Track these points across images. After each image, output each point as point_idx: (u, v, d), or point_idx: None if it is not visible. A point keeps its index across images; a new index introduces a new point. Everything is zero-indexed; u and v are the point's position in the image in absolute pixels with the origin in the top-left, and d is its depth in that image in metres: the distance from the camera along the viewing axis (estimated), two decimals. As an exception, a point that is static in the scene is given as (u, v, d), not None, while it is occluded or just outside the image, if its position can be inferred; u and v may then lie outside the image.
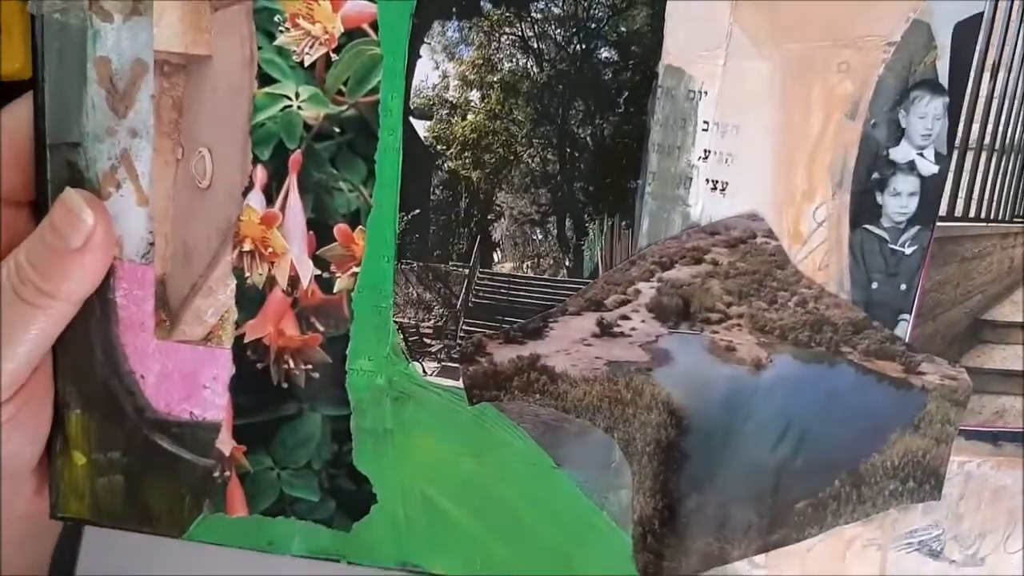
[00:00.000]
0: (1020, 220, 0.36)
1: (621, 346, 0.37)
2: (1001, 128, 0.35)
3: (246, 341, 0.38)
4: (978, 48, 0.34)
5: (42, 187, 0.37)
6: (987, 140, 0.35)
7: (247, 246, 0.37)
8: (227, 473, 0.40)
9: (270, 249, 0.37)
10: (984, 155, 0.35)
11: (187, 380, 0.39)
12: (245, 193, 0.37)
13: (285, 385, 0.38)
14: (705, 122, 0.35)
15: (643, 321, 0.37)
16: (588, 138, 0.35)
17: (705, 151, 0.35)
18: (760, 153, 0.35)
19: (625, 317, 0.37)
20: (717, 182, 0.35)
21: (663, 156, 0.35)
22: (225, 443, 0.39)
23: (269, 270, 0.37)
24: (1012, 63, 0.34)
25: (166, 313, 0.38)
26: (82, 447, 0.40)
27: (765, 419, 0.37)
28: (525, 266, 0.37)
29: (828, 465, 0.38)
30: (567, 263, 0.37)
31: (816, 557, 0.39)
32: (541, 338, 0.37)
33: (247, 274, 0.37)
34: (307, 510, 0.40)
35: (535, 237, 0.37)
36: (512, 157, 0.36)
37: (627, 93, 0.35)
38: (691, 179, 0.35)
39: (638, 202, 0.36)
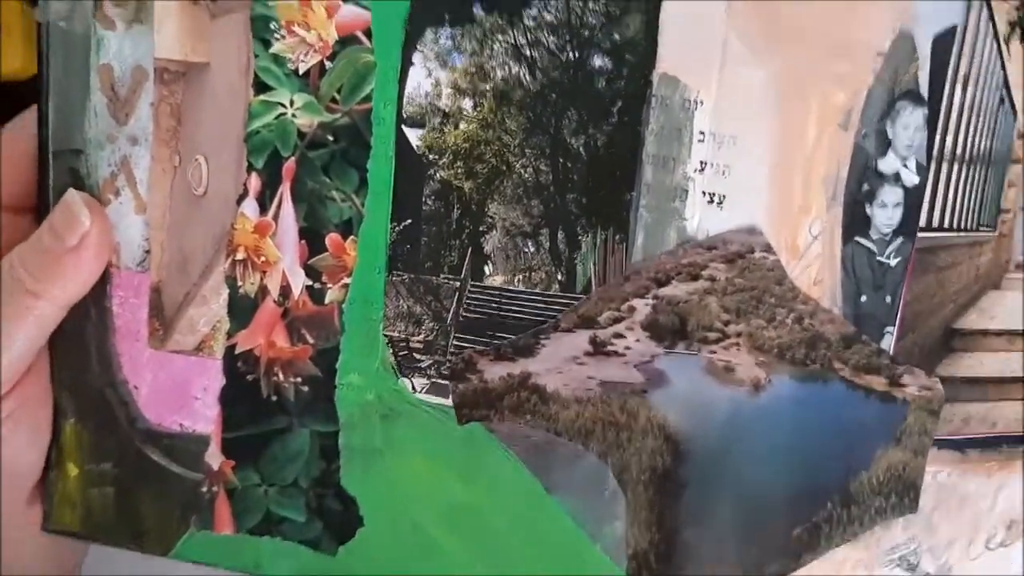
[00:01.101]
0: (986, 228, 0.36)
1: (615, 366, 0.36)
2: (971, 139, 0.34)
3: (237, 352, 0.38)
4: (952, 60, 0.33)
5: (44, 194, 0.38)
6: (959, 151, 0.34)
7: (240, 255, 0.37)
8: (215, 488, 0.39)
9: (263, 258, 0.37)
10: (956, 166, 0.34)
11: (178, 391, 0.39)
12: (239, 201, 0.37)
13: (275, 398, 0.38)
14: (701, 133, 0.34)
15: (638, 340, 0.35)
16: (581, 148, 0.35)
17: (701, 163, 0.34)
18: (757, 165, 0.33)
19: (619, 335, 0.35)
20: (714, 195, 0.34)
21: (658, 168, 0.34)
22: (214, 456, 0.39)
23: (261, 279, 0.37)
24: (979, 76, 0.34)
25: (160, 322, 0.38)
26: (75, 458, 0.40)
27: (764, 443, 0.35)
28: (517, 280, 0.36)
29: (822, 488, 0.36)
30: (559, 277, 0.35)
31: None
32: (532, 355, 0.36)
33: (240, 283, 0.37)
34: (293, 530, 0.39)
35: (527, 250, 0.36)
36: (504, 167, 0.35)
37: (621, 102, 0.34)
38: (687, 191, 0.34)
39: (632, 215, 0.34)
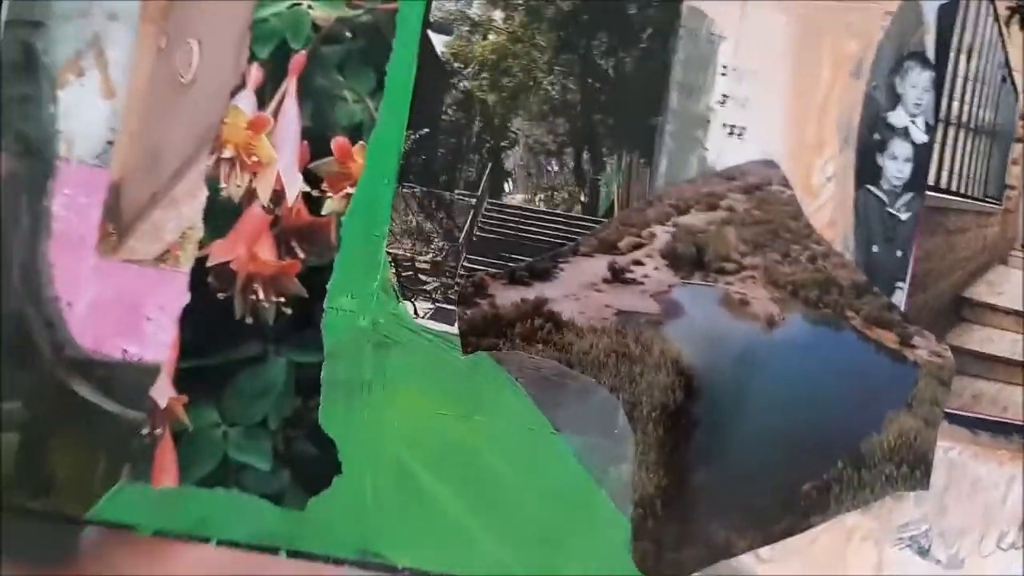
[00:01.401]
0: (991, 201, 0.38)
1: (633, 294, 0.35)
2: (975, 109, 0.38)
3: (209, 264, 0.33)
4: (956, 31, 0.37)
5: (-14, 67, 0.32)
6: (964, 119, 0.37)
7: (227, 152, 0.33)
8: (158, 431, 0.33)
9: (254, 158, 0.33)
10: (962, 132, 0.37)
11: (126, 309, 0.33)
12: (234, 93, 0.33)
13: (249, 320, 0.33)
14: (724, 66, 0.35)
15: (656, 268, 0.35)
16: (611, 70, 0.35)
17: (723, 95, 0.35)
18: (775, 101, 0.35)
19: (638, 262, 0.35)
20: (734, 127, 0.35)
21: (683, 95, 0.35)
22: (162, 391, 0.33)
23: (250, 182, 0.33)
24: (982, 50, 0.37)
25: (115, 225, 0.33)
26: (-33, 397, 0.32)
27: (775, 383, 0.35)
28: (538, 199, 0.34)
29: (832, 440, 0.36)
30: (582, 198, 0.34)
31: (819, 550, 0.36)
32: (549, 280, 0.34)
33: (223, 185, 0.33)
34: (255, 481, 0.33)
35: (550, 168, 0.35)
36: (532, 83, 0.34)
37: (650, 29, 0.35)
38: (708, 122, 0.35)
39: (657, 140, 0.35)
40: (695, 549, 0.35)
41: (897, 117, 0.36)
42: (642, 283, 0.35)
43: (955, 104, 0.37)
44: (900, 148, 0.36)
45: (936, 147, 0.37)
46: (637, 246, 0.35)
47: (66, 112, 0.32)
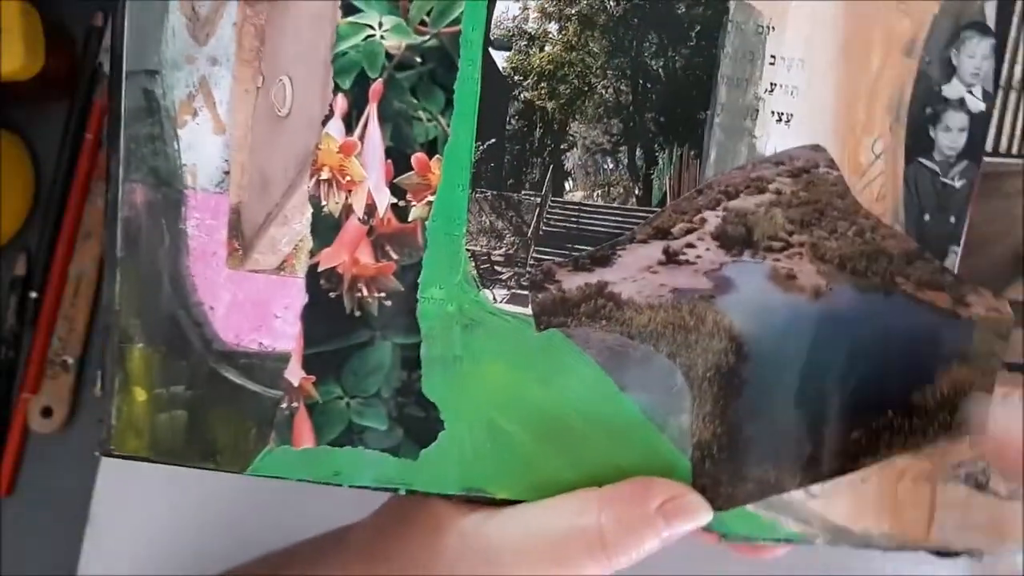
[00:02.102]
0: None
1: (686, 274, 0.39)
2: None
3: (320, 270, 0.39)
4: None
5: (115, 114, 0.38)
6: None
7: (325, 174, 0.38)
8: (295, 404, 0.40)
9: (348, 177, 0.38)
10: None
11: (258, 310, 0.39)
12: (325, 122, 0.38)
13: (358, 313, 0.39)
14: (772, 56, 0.37)
15: (708, 249, 0.38)
16: (660, 70, 0.37)
17: (771, 84, 0.37)
18: (823, 87, 0.37)
19: (690, 245, 0.38)
20: (782, 114, 0.37)
21: (732, 88, 0.37)
22: (294, 373, 0.40)
23: (346, 198, 0.38)
24: None
25: (239, 242, 0.39)
26: (143, 382, 0.40)
27: (822, 348, 0.39)
28: (596, 194, 0.38)
29: (881, 396, 0.39)
30: (636, 191, 0.38)
31: (870, 489, 0.41)
32: (609, 265, 0.39)
33: (323, 203, 0.38)
34: (375, 439, 0.40)
35: (606, 166, 0.38)
36: (587, 88, 0.37)
37: (699, 27, 0.37)
38: (758, 111, 0.37)
39: (707, 133, 0.37)
40: (748, 485, 0.41)
41: (952, 89, 0.37)
42: (695, 263, 0.39)
43: (1017, 68, 0.37)
44: (954, 119, 0.37)
45: (996, 113, 0.37)
46: (689, 231, 0.38)
47: (187, 147, 0.38)
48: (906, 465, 0.41)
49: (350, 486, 0.41)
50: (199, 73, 0.37)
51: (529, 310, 0.39)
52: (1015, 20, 0.37)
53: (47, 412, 0.62)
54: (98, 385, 0.41)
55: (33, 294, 0.64)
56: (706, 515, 0.39)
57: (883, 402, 0.39)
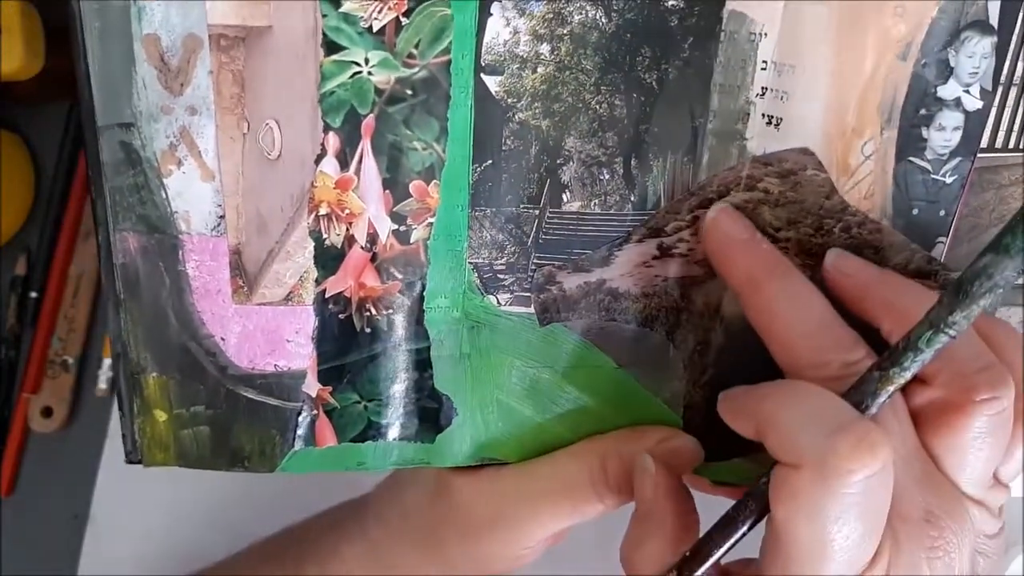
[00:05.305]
0: None
1: (678, 264, 0.41)
2: None
3: (327, 296, 0.39)
4: None
5: (96, 169, 0.36)
6: None
7: (323, 210, 0.38)
8: (315, 412, 0.42)
9: (347, 211, 0.38)
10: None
11: (269, 336, 0.40)
12: (318, 160, 0.37)
13: (368, 330, 0.40)
14: (764, 61, 0.37)
15: (699, 242, 0.40)
16: (654, 82, 0.37)
17: (763, 88, 0.37)
18: (814, 92, 0.37)
19: (683, 240, 0.40)
20: (772, 117, 0.38)
21: (724, 95, 0.37)
22: (311, 386, 0.41)
23: (347, 230, 0.38)
24: None
25: (243, 280, 0.39)
26: (162, 405, 0.41)
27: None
28: (593, 204, 0.39)
29: None
30: (632, 198, 0.39)
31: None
32: (607, 265, 0.40)
33: (325, 236, 0.38)
34: (394, 431, 0.43)
35: (602, 177, 0.39)
36: (581, 105, 0.37)
37: (692, 38, 0.36)
38: (748, 115, 0.38)
39: (700, 140, 0.38)
40: (735, 439, 0.45)
41: (947, 90, 0.37)
42: (687, 255, 0.41)
43: (1019, 64, 0.37)
44: (949, 119, 0.38)
45: (994, 110, 0.38)
46: (681, 228, 0.40)
47: (176, 195, 0.37)
48: None
49: (375, 471, 0.44)
50: (178, 123, 0.36)
51: (532, 309, 0.41)
52: (1020, 15, 0.37)
53: (47, 412, 0.63)
54: (115, 405, 0.42)
55: (33, 294, 0.64)
56: (697, 454, 0.44)
57: None
